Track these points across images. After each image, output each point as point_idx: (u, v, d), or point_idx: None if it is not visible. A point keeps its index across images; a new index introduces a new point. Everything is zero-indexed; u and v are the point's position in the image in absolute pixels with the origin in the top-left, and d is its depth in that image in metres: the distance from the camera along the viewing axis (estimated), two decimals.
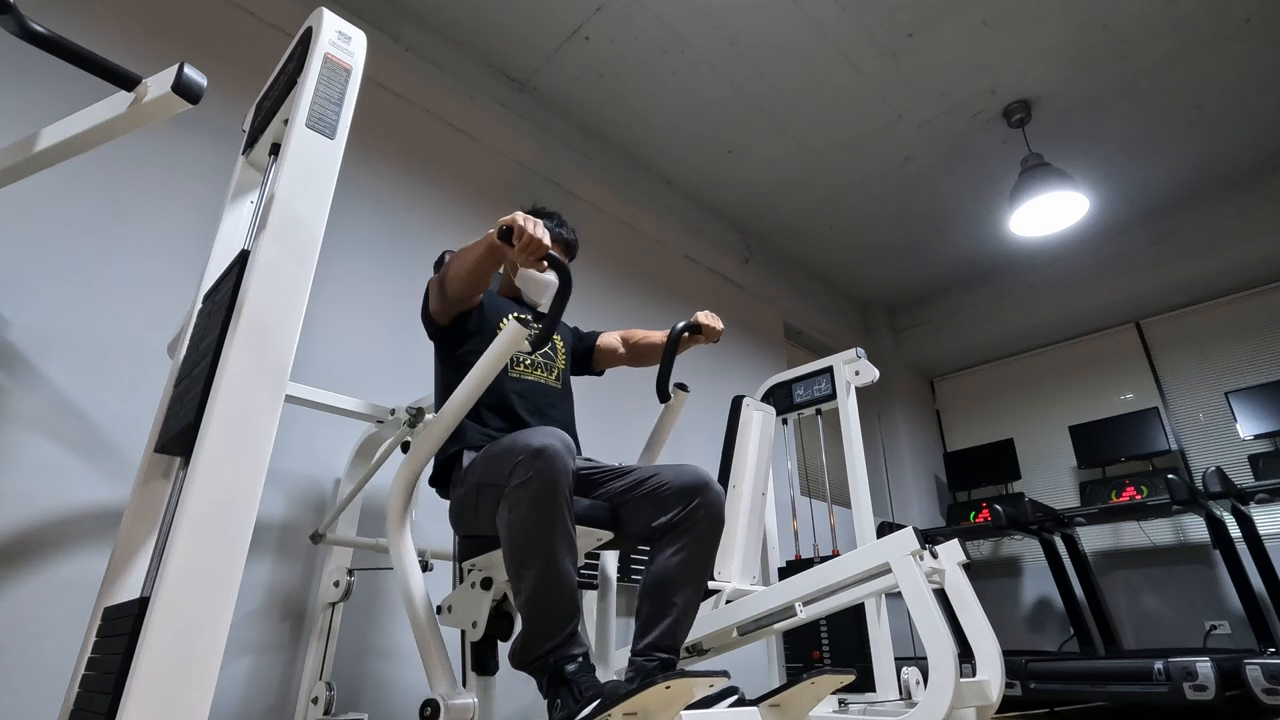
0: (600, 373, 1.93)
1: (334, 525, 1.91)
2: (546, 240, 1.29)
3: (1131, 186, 4.07)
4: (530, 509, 1.19)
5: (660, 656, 1.32)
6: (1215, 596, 3.83)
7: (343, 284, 2.32)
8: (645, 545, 1.46)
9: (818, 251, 4.62)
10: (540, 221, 1.30)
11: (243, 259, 0.96)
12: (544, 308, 1.70)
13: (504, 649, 1.44)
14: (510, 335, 1.24)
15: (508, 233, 1.29)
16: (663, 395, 1.70)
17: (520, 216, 1.29)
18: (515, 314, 1.67)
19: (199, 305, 1.16)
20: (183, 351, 1.13)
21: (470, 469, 1.41)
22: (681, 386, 1.73)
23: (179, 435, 0.93)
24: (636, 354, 1.87)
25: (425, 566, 1.79)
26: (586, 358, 1.88)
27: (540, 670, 1.20)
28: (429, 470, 1.61)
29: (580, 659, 1.18)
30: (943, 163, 3.81)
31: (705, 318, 1.71)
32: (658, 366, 1.75)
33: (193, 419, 0.87)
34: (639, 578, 2.71)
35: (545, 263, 1.31)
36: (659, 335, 1.83)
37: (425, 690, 1.62)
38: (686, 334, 1.72)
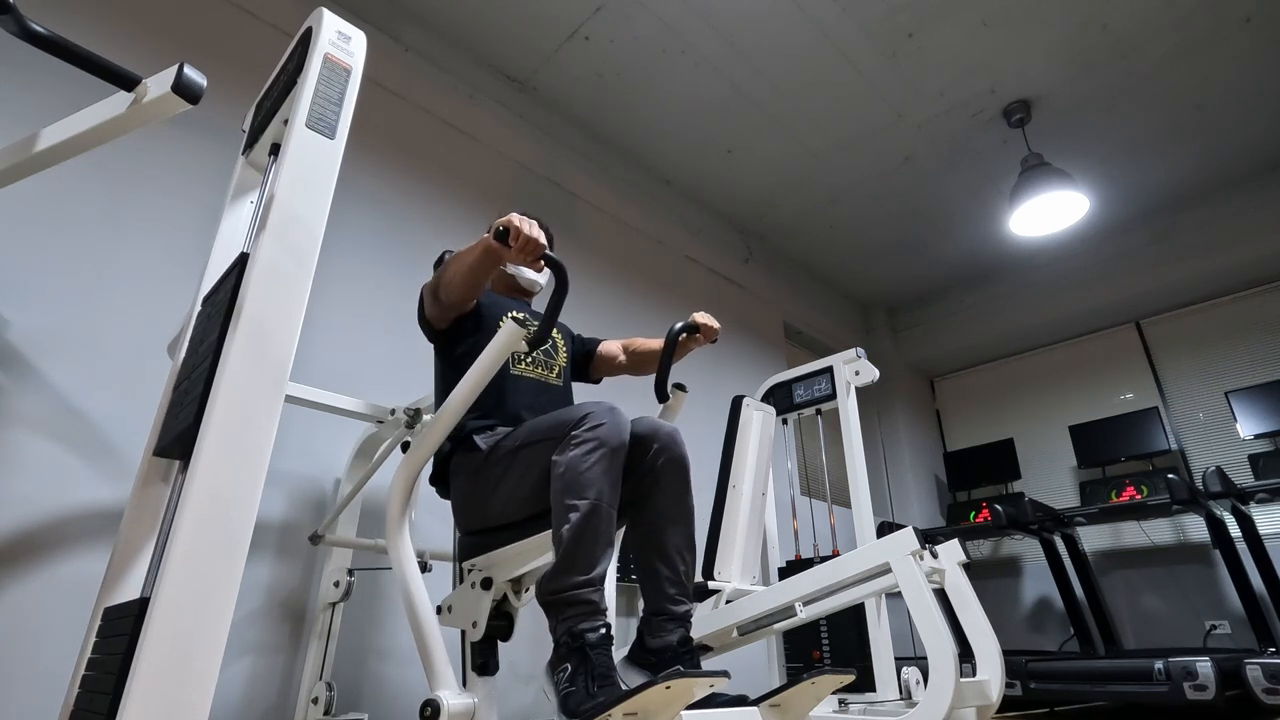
0: (598, 380, 1.94)
1: (333, 526, 1.91)
2: (543, 240, 1.32)
3: (1131, 186, 4.07)
4: (595, 449, 1.25)
5: (674, 611, 1.34)
6: (1215, 596, 3.82)
7: (343, 284, 2.32)
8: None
9: (818, 251, 4.62)
10: (535, 222, 1.33)
11: (242, 261, 0.96)
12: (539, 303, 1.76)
13: (504, 649, 1.44)
14: (508, 334, 1.26)
15: (504, 234, 1.32)
16: (661, 395, 1.71)
17: (516, 217, 1.31)
18: (513, 312, 1.67)
19: (198, 308, 1.15)
20: (182, 354, 1.12)
21: (499, 444, 1.42)
22: (680, 387, 1.74)
23: (178, 438, 0.93)
24: (636, 361, 1.88)
25: (424, 567, 1.79)
26: (585, 364, 1.89)
27: (558, 608, 1.20)
28: (428, 470, 1.61)
29: (603, 629, 1.18)
30: (943, 163, 3.81)
31: (702, 317, 1.73)
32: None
33: (192, 422, 0.87)
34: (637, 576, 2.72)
35: (541, 261, 1.34)
36: (658, 342, 1.84)
37: (425, 690, 1.62)
38: (684, 335, 1.73)
